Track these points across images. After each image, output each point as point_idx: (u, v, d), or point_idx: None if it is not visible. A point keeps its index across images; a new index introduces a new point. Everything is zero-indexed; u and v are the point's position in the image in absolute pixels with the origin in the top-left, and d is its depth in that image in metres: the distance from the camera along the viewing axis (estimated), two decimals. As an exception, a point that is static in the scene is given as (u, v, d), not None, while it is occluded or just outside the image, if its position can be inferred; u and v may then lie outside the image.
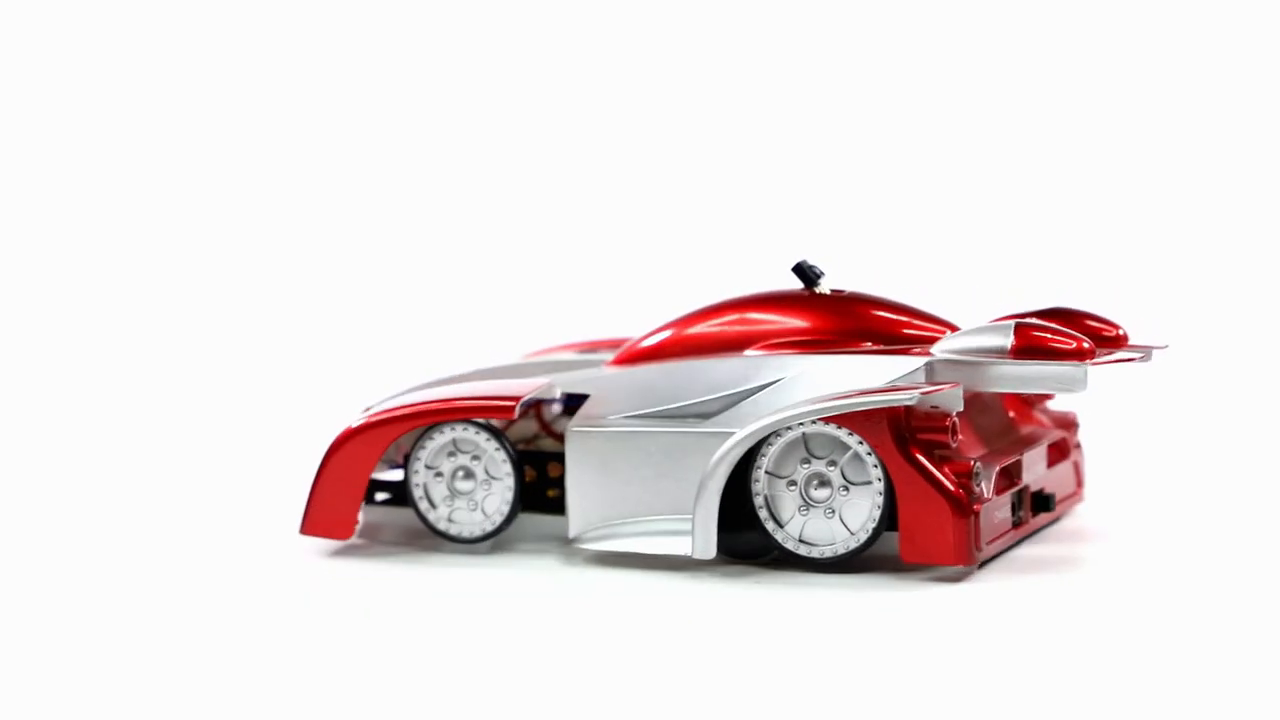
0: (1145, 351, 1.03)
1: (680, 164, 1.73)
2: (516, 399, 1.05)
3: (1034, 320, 1.01)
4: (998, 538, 1.00)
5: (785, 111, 1.73)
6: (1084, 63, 1.70)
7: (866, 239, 1.66)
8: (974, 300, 1.19)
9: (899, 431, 0.97)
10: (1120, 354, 1.02)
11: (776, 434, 0.99)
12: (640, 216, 1.72)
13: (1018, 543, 1.04)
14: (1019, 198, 1.69)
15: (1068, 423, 1.11)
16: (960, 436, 1.00)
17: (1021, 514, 1.03)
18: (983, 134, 1.70)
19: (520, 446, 1.09)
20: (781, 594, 0.97)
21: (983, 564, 1.00)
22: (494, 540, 1.07)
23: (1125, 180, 1.68)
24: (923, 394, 0.97)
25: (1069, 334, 1.00)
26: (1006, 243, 1.66)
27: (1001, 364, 1.00)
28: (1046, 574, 0.99)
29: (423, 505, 1.08)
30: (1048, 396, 1.10)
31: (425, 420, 1.06)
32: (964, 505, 0.96)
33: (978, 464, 0.98)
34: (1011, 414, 1.08)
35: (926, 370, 1.00)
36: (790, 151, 1.72)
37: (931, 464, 0.97)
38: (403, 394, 1.10)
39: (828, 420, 0.98)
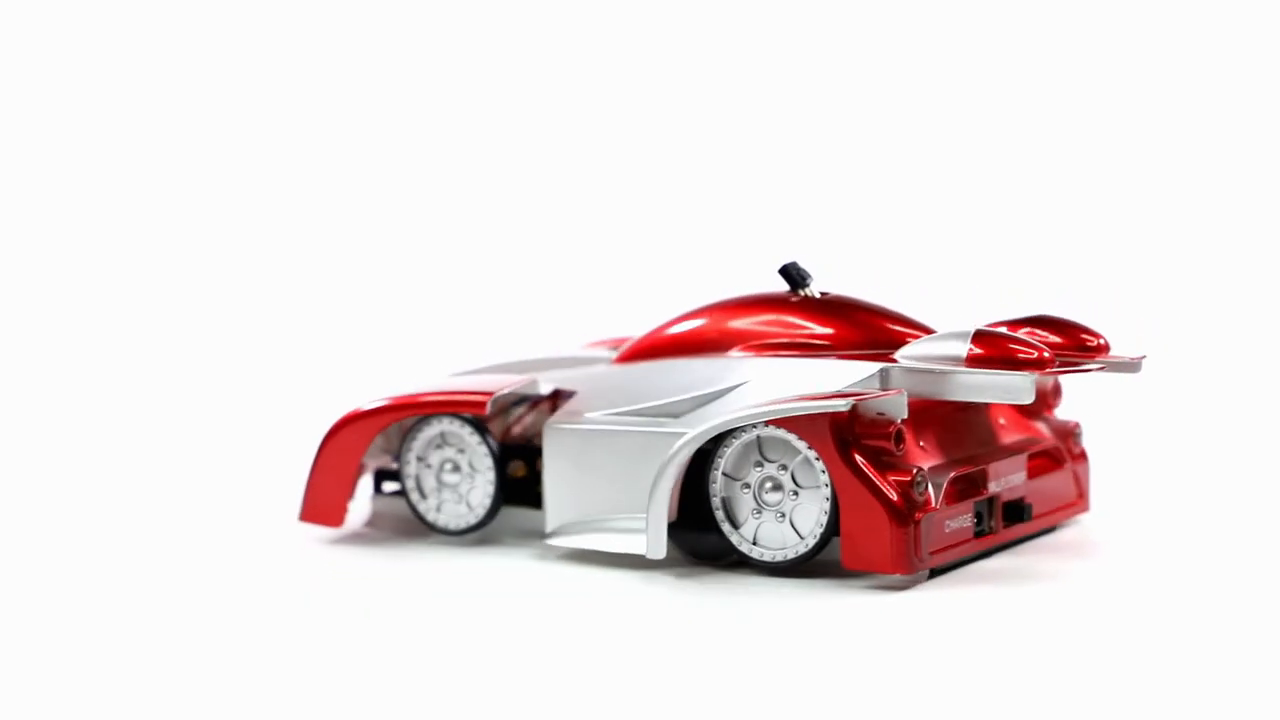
0: (1123, 362, 1.01)
1: (699, 165, 1.73)
2: (490, 395, 1.07)
3: (994, 329, 1.00)
4: (950, 547, 0.98)
5: (797, 116, 1.73)
6: (1081, 67, 1.69)
7: (875, 241, 1.66)
8: (975, 301, 1.17)
9: (842, 437, 0.96)
10: (1087, 365, 1.00)
11: (733, 436, 0.98)
12: (661, 215, 1.72)
13: (990, 553, 1.02)
14: (1027, 199, 1.68)
15: (1066, 432, 1.08)
16: (922, 444, 0.98)
17: (991, 524, 1.01)
18: (987, 136, 1.69)
19: (536, 440, 1.10)
20: (728, 598, 0.97)
21: (936, 573, 0.98)
22: (481, 532, 1.09)
23: (1135, 188, 1.66)
24: (858, 401, 0.96)
25: (1030, 344, 0.98)
26: (1012, 244, 1.65)
27: (954, 372, 0.98)
28: (1001, 585, 0.97)
29: (414, 496, 1.09)
30: (1047, 405, 1.08)
31: (402, 414, 1.08)
32: (903, 513, 0.95)
33: (920, 472, 0.96)
34: (1002, 420, 1.06)
35: (881, 376, 0.99)
36: (805, 156, 1.72)
37: (873, 471, 0.95)
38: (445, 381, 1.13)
39: (775, 424, 0.97)
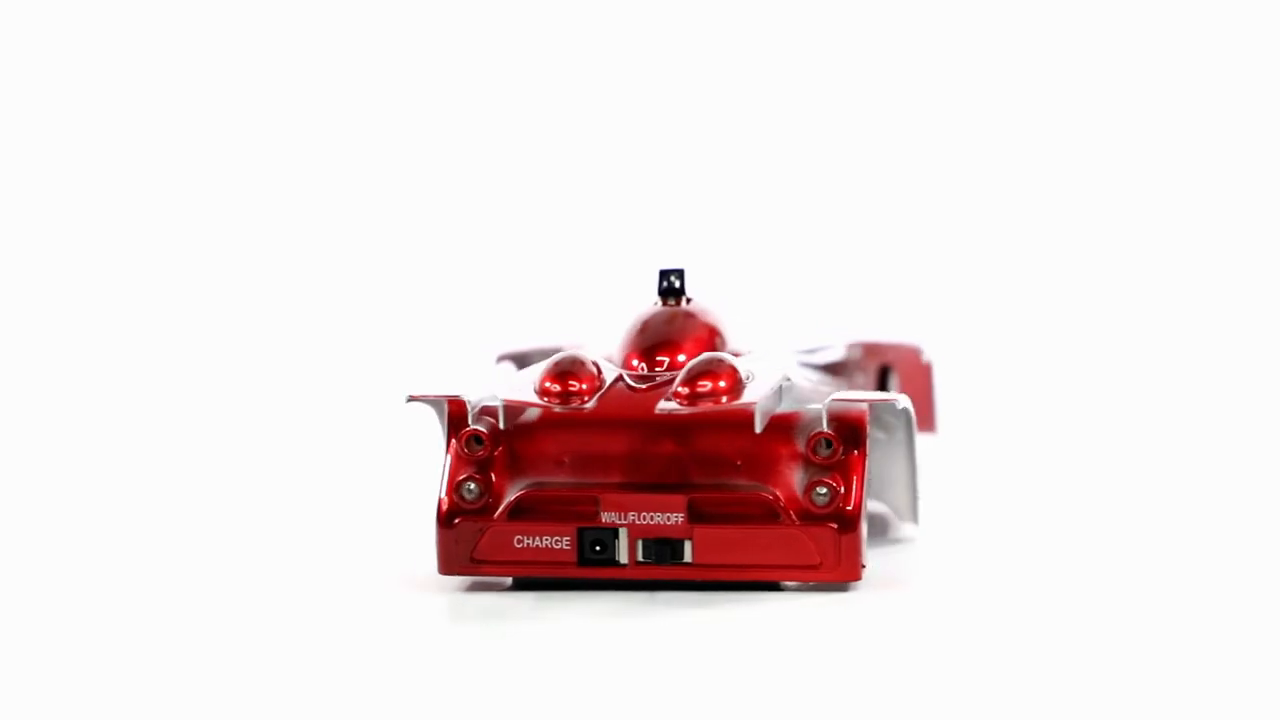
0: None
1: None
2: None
3: (579, 356, 1.00)
4: (524, 564, 0.98)
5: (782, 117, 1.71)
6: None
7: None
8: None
9: (454, 433, 1.00)
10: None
11: None
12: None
13: (635, 585, 0.98)
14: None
15: (807, 487, 0.97)
16: (564, 460, 0.99)
17: (623, 556, 0.97)
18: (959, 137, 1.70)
19: None
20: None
21: (526, 586, 0.99)
22: None
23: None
24: (410, 399, 1.00)
25: (572, 381, 0.98)
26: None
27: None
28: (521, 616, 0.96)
29: None
30: (793, 451, 0.99)
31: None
32: (441, 514, 0.98)
33: (469, 479, 0.98)
34: (739, 464, 0.98)
35: None
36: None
37: (451, 469, 0.99)
38: None
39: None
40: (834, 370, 1.18)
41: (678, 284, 1.07)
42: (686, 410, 0.96)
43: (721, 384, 0.97)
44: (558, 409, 0.98)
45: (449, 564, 0.99)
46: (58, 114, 1.73)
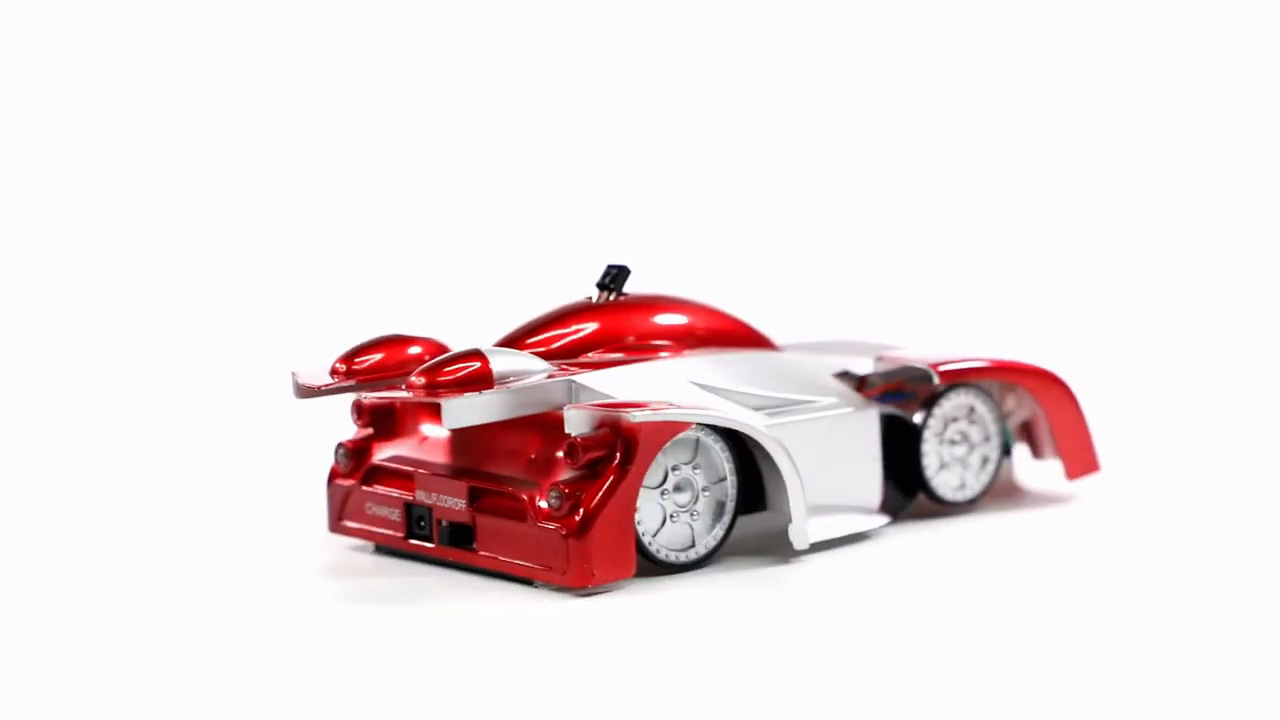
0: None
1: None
2: None
3: (414, 339, 1.04)
4: (373, 532, 1.05)
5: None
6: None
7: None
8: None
9: None
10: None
11: None
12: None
13: (448, 565, 1.02)
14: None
15: (550, 486, 0.98)
16: (423, 436, 1.05)
17: (431, 534, 1.02)
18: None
19: None
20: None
21: (384, 551, 1.06)
22: None
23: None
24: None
25: (380, 352, 1.03)
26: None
27: None
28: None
29: None
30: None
31: None
32: (329, 474, 1.06)
33: (339, 445, 1.06)
34: (533, 457, 1.01)
35: None
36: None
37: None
38: None
39: None
40: (861, 384, 1.11)
41: (612, 278, 1.08)
42: (373, 397, 1.02)
43: (468, 372, 0.98)
44: (302, 381, 1.03)
45: (331, 523, 1.09)
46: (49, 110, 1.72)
